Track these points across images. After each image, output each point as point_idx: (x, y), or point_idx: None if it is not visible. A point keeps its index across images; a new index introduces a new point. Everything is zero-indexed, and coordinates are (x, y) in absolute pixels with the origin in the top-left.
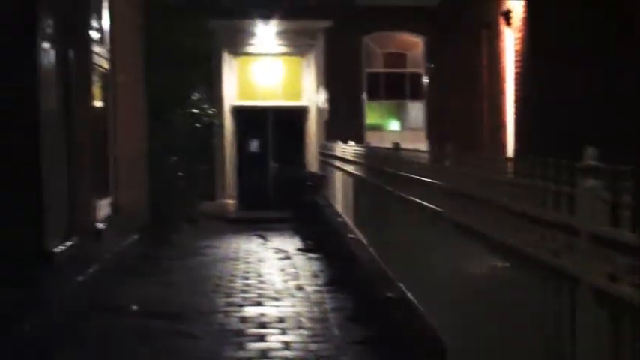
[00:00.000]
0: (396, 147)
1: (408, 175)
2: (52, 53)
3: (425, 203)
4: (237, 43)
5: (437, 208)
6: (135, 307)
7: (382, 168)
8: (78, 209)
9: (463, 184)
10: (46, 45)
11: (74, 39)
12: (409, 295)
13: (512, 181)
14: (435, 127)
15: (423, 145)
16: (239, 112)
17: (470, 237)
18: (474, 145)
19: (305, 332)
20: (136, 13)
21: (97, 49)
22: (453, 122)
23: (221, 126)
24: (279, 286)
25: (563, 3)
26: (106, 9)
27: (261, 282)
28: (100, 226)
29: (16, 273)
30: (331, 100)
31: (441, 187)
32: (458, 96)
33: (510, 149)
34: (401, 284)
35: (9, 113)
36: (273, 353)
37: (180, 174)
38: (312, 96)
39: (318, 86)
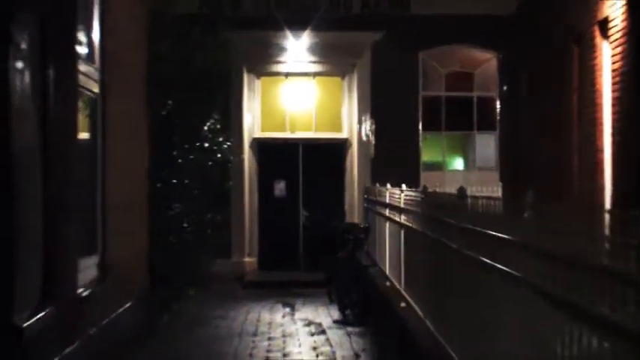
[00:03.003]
0: (461, 193)
1: (476, 228)
2: (28, 73)
3: (498, 265)
4: (261, 60)
5: (513, 272)
6: None
7: (443, 219)
8: (55, 272)
9: (548, 241)
10: (19, 62)
11: (55, 56)
12: None
13: (611, 239)
14: (510, 166)
15: (495, 189)
16: (262, 146)
17: (556, 308)
18: (562, 189)
19: None
20: (136, 24)
21: (84, 67)
22: (533, 159)
23: (239, 164)
24: None
25: None
26: (97, 19)
27: None
28: (84, 292)
29: None
30: (378, 131)
31: (519, 244)
32: (540, 126)
33: (609, 193)
34: None
35: None
36: None
37: (188, 225)
38: (354, 126)
39: (362, 114)
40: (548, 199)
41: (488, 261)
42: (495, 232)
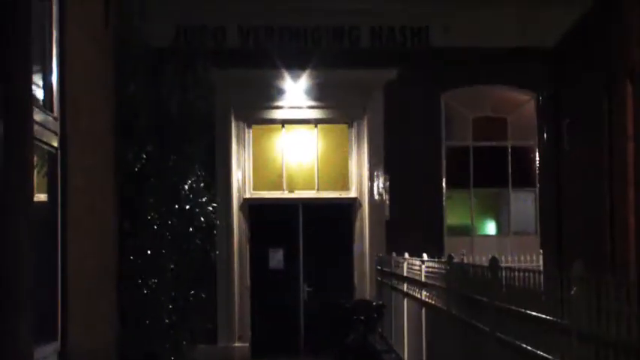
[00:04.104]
0: (494, 264)
1: (513, 307)
2: None
3: (543, 354)
4: (252, 105)
5: None
6: None
7: (473, 296)
8: None
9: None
10: None
11: (5, 104)
12: None
13: None
14: (553, 230)
15: (535, 259)
16: (255, 208)
17: None
18: (617, 256)
19: None
20: (102, 64)
21: (40, 117)
22: (582, 221)
23: (227, 230)
24: None
25: None
26: (55, 57)
27: None
28: None
29: None
30: (394, 189)
31: (565, 327)
32: (589, 181)
33: None
34: None
35: None
36: None
37: (166, 304)
38: (364, 184)
39: (373, 169)
40: (601, 268)
41: (530, 349)
42: (537, 312)
